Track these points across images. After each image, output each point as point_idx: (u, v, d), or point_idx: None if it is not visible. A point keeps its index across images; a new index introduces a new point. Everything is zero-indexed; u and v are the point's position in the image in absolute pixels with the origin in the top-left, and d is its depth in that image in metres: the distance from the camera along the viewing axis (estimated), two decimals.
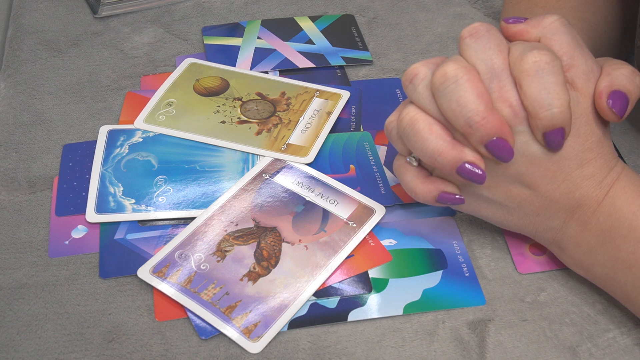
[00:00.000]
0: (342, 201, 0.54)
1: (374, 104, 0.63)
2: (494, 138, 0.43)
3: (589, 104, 0.45)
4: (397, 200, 0.55)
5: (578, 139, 0.45)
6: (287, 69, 0.66)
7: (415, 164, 0.48)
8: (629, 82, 0.45)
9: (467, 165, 0.44)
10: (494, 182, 0.46)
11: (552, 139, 0.43)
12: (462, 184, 0.47)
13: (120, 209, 0.54)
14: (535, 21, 0.46)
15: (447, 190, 0.47)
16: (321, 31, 0.70)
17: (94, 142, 0.59)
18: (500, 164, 0.45)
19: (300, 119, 0.60)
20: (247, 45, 0.68)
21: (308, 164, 0.57)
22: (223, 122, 0.60)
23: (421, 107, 0.45)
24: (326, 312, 0.49)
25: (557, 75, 0.43)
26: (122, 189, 0.55)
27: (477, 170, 0.44)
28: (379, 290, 0.50)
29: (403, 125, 0.46)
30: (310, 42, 0.68)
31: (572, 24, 0.55)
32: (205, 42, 0.68)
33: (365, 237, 0.52)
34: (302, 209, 0.54)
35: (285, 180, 0.56)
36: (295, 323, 0.48)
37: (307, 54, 0.67)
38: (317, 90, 0.63)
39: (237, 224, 0.53)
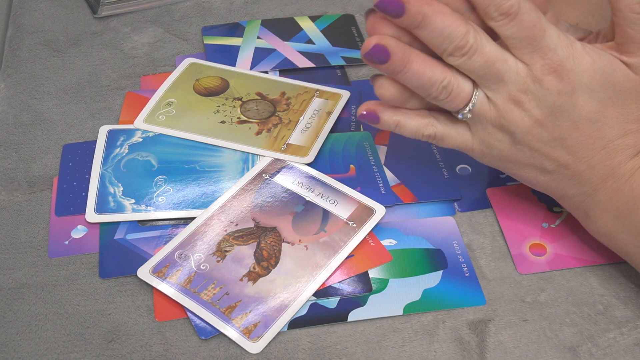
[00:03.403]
0: (342, 201, 0.54)
1: None
2: None
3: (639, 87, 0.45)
4: (397, 200, 0.55)
5: (622, 111, 0.45)
6: (287, 69, 0.66)
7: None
8: None
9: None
10: (537, 145, 0.46)
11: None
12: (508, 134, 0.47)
13: (120, 209, 0.54)
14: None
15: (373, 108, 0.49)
16: (321, 31, 0.70)
17: (94, 142, 0.59)
18: (546, 126, 0.45)
19: (300, 119, 0.60)
20: (247, 45, 0.68)
21: (308, 164, 0.57)
22: (223, 122, 0.60)
23: None
24: (326, 312, 0.48)
25: None
26: (122, 189, 0.55)
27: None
28: (379, 290, 0.50)
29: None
30: (310, 42, 0.68)
31: (596, 22, 0.56)
32: (205, 42, 0.68)
33: (365, 237, 0.52)
34: (302, 209, 0.54)
35: (285, 180, 0.56)
36: (295, 323, 0.48)
37: (307, 54, 0.67)
38: (317, 90, 0.63)
39: (237, 224, 0.53)
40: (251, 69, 0.65)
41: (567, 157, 0.46)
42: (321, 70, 0.66)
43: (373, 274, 0.51)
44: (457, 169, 0.58)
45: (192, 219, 0.53)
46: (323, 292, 0.49)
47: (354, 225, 0.53)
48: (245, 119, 0.60)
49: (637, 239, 0.46)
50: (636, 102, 0.45)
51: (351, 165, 0.57)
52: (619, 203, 0.46)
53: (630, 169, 0.46)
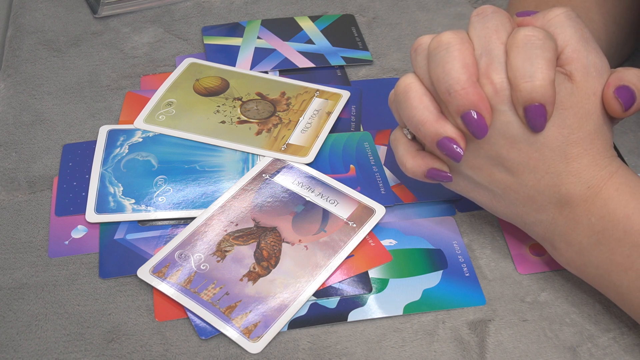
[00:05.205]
0: (342, 201, 0.54)
1: (374, 104, 0.63)
2: (471, 111, 0.43)
3: (582, 98, 0.44)
4: (397, 200, 0.55)
5: (563, 130, 0.44)
6: (287, 69, 0.66)
7: (409, 136, 0.49)
8: (638, 80, 0.44)
9: (446, 140, 0.45)
10: (477, 163, 0.46)
11: (532, 114, 0.43)
12: (449, 161, 0.48)
13: (120, 209, 0.54)
14: (541, 14, 0.46)
15: (436, 166, 0.48)
16: (321, 31, 0.70)
17: (94, 142, 0.59)
18: (482, 143, 0.45)
19: (300, 119, 0.60)
20: (247, 45, 0.68)
21: (308, 164, 0.57)
22: (223, 122, 0.60)
23: (419, 76, 0.47)
24: (326, 312, 0.48)
25: (545, 51, 0.43)
26: (122, 189, 0.55)
27: (455, 147, 0.45)
28: (379, 290, 0.50)
29: (398, 92, 0.47)
30: (310, 42, 0.68)
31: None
32: (205, 42, 0.68)
33: (365, 237, 0.52)
34: (302, 209, 0.54)
35: (285, 180, 0.56)
36: (295, 323, 0.48)
37: (307, 54, 0.67)
38: (317, 90, 0.63)
39: (237, 224, 0.53)
40: (251, 69, 0.65)
41: (510, 179, 0.46)
42: (321, 70, 0.66)
43: (373, 274, 0.51)
44: None
45: (192, 219, 0.53)
46: (323, 292, 0.49)
47: (354, 225, 0.53)
48: (245, 119, 0.60)
49: (606, 274, 0.45)
50: (574, 116, 0.44)
51: (351, 165, 0.57)
52: (581, 236, 0.45)
53: (583, 201, 0.44)
